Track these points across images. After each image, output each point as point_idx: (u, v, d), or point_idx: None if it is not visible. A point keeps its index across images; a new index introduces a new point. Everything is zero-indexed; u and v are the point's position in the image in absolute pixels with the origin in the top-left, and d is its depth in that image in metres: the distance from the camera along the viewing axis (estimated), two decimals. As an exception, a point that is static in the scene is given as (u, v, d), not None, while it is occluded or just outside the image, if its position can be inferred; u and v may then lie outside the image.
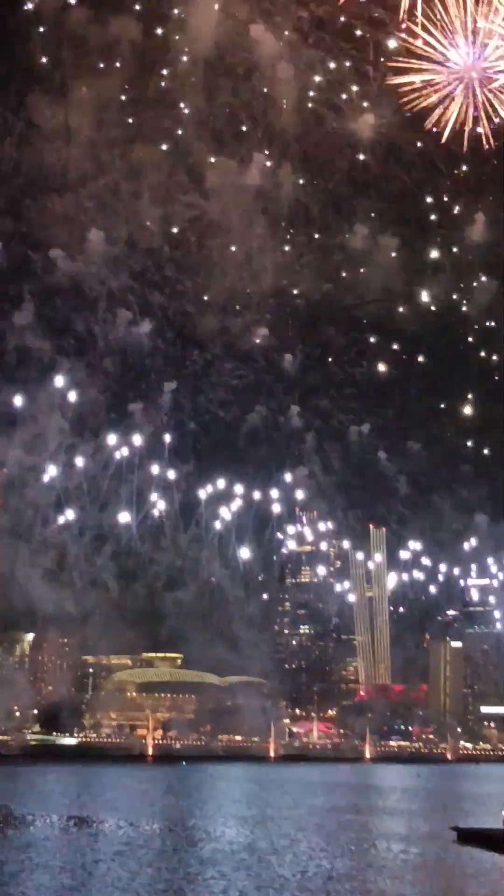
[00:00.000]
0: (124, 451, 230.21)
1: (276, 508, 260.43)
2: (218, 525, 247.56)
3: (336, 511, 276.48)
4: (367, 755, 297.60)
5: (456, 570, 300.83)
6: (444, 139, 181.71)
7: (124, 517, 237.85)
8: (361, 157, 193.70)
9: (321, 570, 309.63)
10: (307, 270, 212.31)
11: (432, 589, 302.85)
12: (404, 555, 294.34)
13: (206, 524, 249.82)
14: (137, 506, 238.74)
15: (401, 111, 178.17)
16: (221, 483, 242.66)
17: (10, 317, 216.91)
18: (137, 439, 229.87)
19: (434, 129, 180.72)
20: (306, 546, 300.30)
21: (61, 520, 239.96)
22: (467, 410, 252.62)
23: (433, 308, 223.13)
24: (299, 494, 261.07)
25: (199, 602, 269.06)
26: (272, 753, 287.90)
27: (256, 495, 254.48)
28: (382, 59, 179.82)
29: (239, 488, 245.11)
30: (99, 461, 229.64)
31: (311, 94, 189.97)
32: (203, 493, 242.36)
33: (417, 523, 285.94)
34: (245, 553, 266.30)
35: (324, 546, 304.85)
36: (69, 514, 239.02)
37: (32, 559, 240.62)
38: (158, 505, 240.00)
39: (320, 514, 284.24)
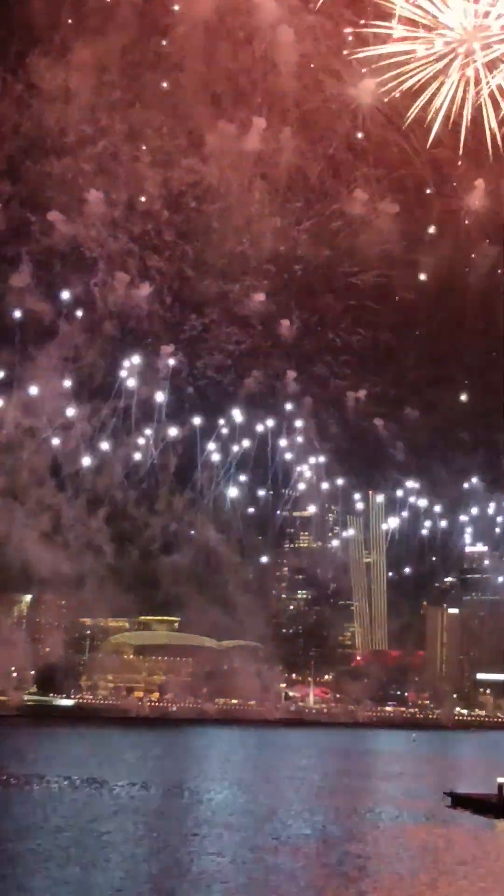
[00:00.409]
0: (121, 415, 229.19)
1: (275, 471, 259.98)
2: (214, 488, 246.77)
3: (334, 477, 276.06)
4: (363, 720, 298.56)
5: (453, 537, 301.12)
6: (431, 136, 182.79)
7: (120, 479, 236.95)
8: (360, 124, 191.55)
9: (319, 536, 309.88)
10: (305, 236, 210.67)
11: (430, 556, 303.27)
12: (402, 521, 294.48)
13: (203, 488, 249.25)
14: (134, 468, 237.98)
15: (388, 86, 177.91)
16: (217, 447, 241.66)
17: (8, 279, 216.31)
18: (134, 402, 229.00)
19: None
20: (304, 511, 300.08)
21: (56, 482, 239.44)
22: (465, 379, 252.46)
23: (432, 276, 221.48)
24: (296, 459, 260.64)
25: (196, 566, 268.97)
26: (268, 717, 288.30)
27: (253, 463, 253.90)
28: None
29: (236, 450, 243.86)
30: (95, 424, 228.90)
31: (311, 58, 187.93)
32: (199, 458, 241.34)
33: (414, 490, 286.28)
34: (242, 518, 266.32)
35: (322, 511, 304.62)
36: (65, 476, 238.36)
37: (29, 521, 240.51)
38: (155, 468, 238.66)
39: (318, 479, 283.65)
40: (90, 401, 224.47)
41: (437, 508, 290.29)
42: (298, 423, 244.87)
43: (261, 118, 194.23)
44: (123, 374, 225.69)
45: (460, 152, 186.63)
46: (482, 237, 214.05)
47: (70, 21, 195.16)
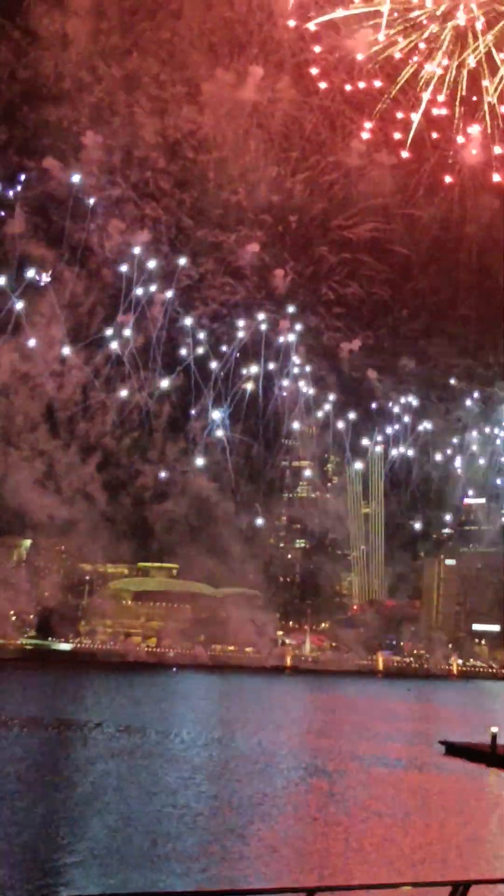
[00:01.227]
0: (114, 363, 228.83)
1: (270, 420, 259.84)
2: (209, 436, 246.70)
3: (332, 428, 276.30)
4: (360, 669, 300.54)
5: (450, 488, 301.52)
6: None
7: (115, 426, 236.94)
8: (356, 75, 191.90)
9: (317, 485, 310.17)
10: (301, 187, 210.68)
11: (427, 507, 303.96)
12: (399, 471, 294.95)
13: (197, 436, 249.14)
14: (129, 415, 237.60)
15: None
16: (212, 395, 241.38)
17: (4, 225, 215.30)
18: (128, 350, 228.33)
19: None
20: (303, 461, 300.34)
21: (51, 428, 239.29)
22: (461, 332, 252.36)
23: (428, 229, 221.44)
24: (292, 409, 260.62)
25: (194, 514, 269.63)
26: (264, 664, 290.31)
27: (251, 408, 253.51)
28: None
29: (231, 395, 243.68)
30: (91, 370, 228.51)
31: (308, 8, 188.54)
32: (195, 408, 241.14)
33: (411, 440, 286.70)
34: (239, 467, 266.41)
35: (319, 461, 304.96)
36: (60, 422, 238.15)
37: (26, 466, 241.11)
38: (150, 415, 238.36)
39: (316, 429, 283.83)
40: (86, 348, 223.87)
41: (437, 458, 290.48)
42: (296, 370, 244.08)
43: (257, 67, 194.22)
44: (118, 321, 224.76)
45: (457, 104, 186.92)
46: (478, 189, 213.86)
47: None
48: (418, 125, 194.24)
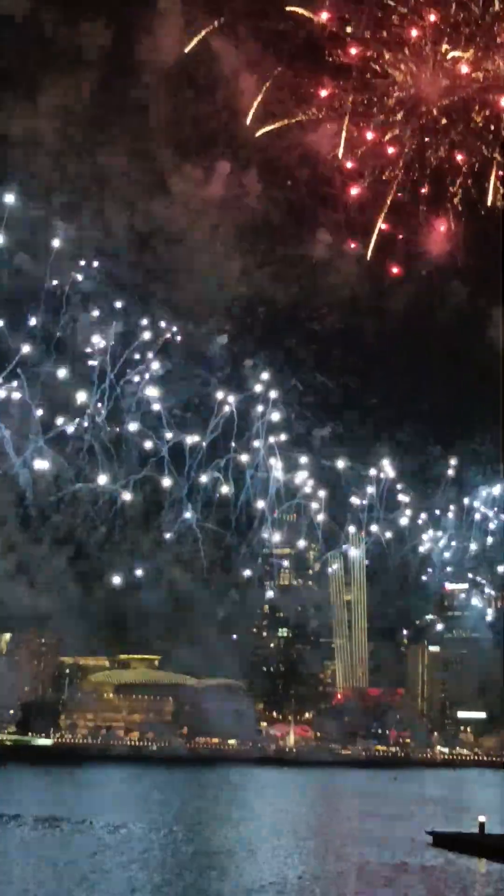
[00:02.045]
0: (85, 455, 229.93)
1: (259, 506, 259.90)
2: (187, 524, 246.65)
3: (313, 516, 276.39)
4: (344, 758, 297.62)
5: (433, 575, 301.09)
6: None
7: (89, 517, 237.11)
8: (323, 171, 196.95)
9: (299, 574, 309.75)
10: (268, 279, 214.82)
11: (410, 594, 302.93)
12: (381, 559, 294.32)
13: (168, 528, 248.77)
14: (104, 507, 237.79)
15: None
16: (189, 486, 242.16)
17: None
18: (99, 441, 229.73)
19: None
20: (285, 549, 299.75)
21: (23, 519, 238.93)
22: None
23: (397, 319, 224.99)
24: (272, 498, 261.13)
25: (174, 605, 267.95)
26: (249, 756, 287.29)
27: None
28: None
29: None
30: (63, 461, 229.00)
31: (273, 106, 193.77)
32: (167, 499, 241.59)
33: (393, 528, 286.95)
34: (221, 557, 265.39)
35: (302, 549, 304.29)
36: (32, 516, 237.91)
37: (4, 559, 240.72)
38: (125, 507, 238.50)
39: (298, 517, 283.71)
40: (57, 439, 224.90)
41: (416, 544, 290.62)
42: (272, 463, 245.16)
43: (224, 162, 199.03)
44: (90, 412, 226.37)
45: (422, 196, 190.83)
46: (447, 279, 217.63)
47: (37, 65, 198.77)
48: (386, 214, 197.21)
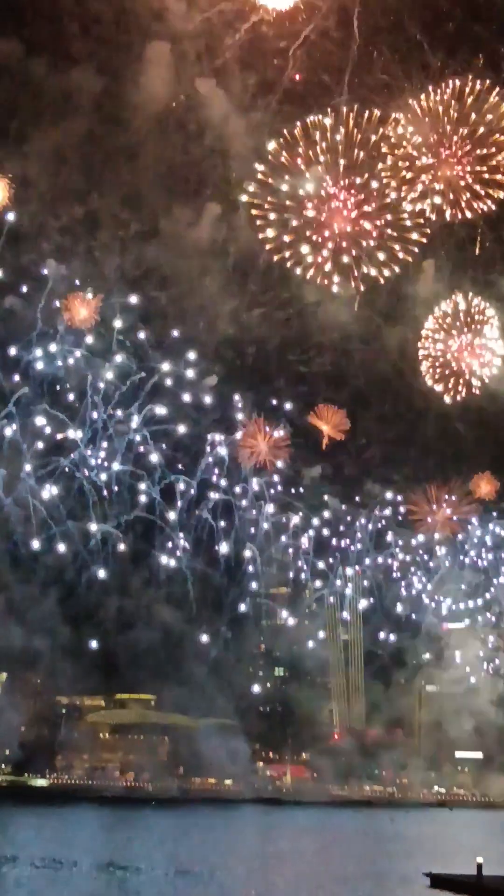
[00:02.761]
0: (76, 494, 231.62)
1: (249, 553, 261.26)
2: (179, 564, 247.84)
3: (304, 556, 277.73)
4: (341, 799, 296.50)
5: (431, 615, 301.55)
6: None
7: (81, 556, 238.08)
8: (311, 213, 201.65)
9: (295, 613, 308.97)
10: (257, 321, 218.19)
11: (407, 633, 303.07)
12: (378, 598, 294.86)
13: (172, 566, 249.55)
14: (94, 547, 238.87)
15: None
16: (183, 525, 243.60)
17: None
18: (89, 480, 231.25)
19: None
20: (281, 588, 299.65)
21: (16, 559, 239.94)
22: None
23: (387, 356, 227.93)
24: (267, 538, 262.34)
25: (169, 644, 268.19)
26: (245, 796, 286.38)
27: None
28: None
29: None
30: (54, 501, 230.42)
31: (260, 151, 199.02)
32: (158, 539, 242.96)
33: (391, 567, 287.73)
34: (217, 596, 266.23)
35: (297, 589, 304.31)
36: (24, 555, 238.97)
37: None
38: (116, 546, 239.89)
39: (295, 555, 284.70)
40: (49, 478, 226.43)
41: (417, 585, 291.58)
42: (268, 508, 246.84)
43: (214, 205, 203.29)
44: (83, 453, 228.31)
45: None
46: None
47: (27, 111, 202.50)
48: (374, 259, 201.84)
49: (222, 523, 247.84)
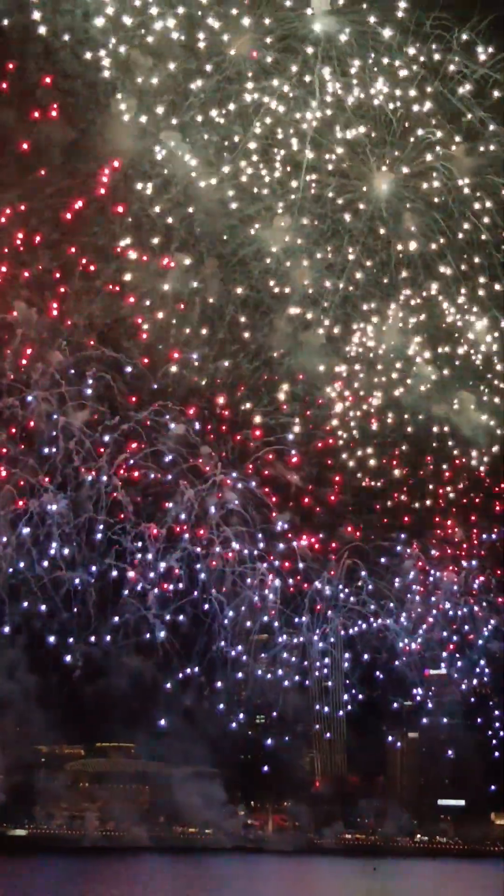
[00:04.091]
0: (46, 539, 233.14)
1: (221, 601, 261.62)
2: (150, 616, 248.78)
3: (286, 605, 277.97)
4: (324, 847, 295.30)
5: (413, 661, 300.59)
6: None
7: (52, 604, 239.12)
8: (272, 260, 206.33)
9: (279, 659, 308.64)
10: (225, 373, 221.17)
11: (389, 679, 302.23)
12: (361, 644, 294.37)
13: (147, 615, 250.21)
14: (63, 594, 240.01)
15: None
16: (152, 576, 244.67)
17: None
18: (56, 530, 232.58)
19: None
20: (262, 635, 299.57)
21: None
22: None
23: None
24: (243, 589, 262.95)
25: (152, 692, 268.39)
26: (227, 845, 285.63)
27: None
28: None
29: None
30: (21, 546, 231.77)
31: (226, 204, 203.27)
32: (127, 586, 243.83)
33: (372, 613, 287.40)
34: (197, 643, 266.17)
35: (277, 636, 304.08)
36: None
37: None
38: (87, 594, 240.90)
39: (264, 604, 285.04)
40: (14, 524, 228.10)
41: (392, 636, 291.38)
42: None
43: (183, 256, 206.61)
44: (45, 501, 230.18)
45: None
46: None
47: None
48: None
49: (198, 573, 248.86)
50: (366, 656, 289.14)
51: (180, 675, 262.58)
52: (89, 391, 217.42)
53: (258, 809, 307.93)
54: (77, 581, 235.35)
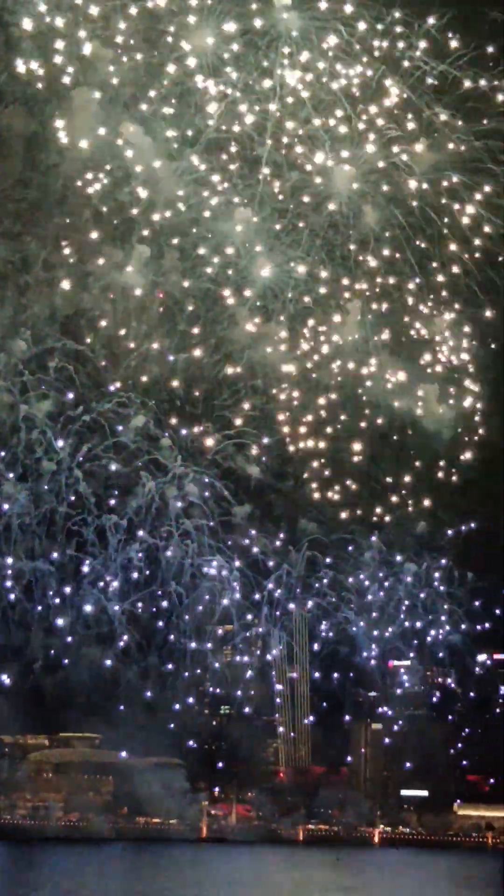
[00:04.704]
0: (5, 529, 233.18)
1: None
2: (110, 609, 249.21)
3: (256, 591, 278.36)
4: (287, 838, 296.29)
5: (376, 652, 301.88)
6: None
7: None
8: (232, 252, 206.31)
9: (242, 651, 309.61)
10: (183, 365, 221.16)
11: (354, 670, 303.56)
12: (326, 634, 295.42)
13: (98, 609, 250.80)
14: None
15: None
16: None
17: None
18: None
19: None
20: (227, 626, 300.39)
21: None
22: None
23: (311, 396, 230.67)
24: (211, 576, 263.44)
25: (117, 682, 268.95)
26: (190, 836, 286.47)
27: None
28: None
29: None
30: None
31: (187, 195, 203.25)
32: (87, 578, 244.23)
33: (337, 604, 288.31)
34: (162, 633, 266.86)
35: (244, 626, 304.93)
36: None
37: None
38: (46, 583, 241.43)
39: (247, 591, 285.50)
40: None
41: (360, 624, 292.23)
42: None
43: (144, 247, 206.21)
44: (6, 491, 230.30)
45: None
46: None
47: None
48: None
49: (158, 565, 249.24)
50: (328, 648, 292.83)
51: (142, 667, 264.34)
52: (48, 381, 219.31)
53: (221, 800, 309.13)
54: (38, 572, 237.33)
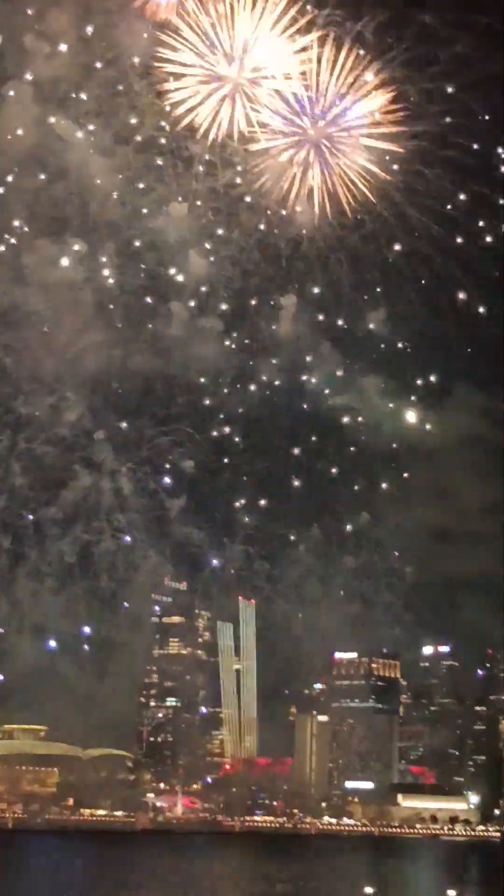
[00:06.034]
0: None
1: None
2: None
3: (205, 582, 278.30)
4: (230, 829, 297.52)
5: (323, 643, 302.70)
6: None
7: None
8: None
9: (189, 642, 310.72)
10: (120, 358, 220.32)
11: (299, 662, 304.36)
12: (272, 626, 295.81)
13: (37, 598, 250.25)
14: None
15: None
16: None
17: None
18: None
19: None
20: (175, 617, 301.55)
21: None
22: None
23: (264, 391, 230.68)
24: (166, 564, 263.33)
25: (63, 672, 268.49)
26: (136, 828, 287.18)
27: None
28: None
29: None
30: None
31: (125, 193, 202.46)
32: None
33: (283, 596, 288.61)
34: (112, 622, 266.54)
35: (191, 618, 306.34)
36: None
37: None
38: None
39: (189, 584, 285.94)
40: None
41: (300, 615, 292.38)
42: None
43: (79, 241, 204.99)
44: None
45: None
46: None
47: None
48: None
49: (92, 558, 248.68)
50: (273, 640, 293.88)
51: (80, 659, 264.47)
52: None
53: (168, 792, 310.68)
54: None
